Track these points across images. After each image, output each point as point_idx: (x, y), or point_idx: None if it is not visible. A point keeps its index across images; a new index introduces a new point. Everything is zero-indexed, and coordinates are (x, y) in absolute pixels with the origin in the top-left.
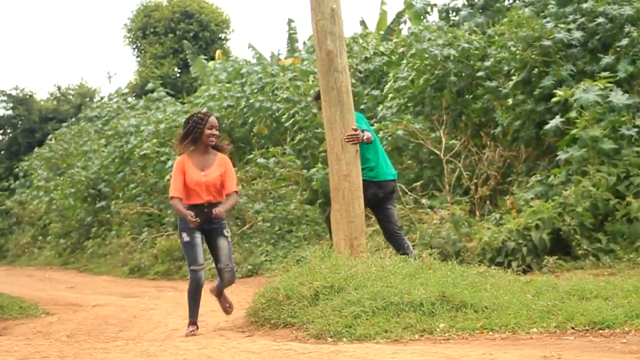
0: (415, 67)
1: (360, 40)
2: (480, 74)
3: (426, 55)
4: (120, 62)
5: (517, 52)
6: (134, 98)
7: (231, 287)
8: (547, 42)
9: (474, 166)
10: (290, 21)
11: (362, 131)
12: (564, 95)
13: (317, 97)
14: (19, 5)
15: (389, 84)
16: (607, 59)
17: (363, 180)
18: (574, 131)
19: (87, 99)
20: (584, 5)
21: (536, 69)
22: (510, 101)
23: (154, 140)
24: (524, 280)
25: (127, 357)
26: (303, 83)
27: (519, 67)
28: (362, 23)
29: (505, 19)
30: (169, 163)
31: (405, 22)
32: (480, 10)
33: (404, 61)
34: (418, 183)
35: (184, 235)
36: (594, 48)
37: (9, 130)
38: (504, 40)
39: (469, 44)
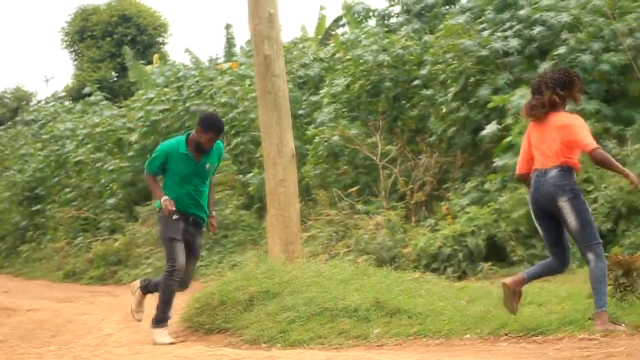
0: (350, 72)
1: (300, 45)
2: (416, 82)
3: (361, 61)
4: (57, 66)
5: (453, 62)
6: (70, 102)
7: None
8: (484, 52)
9: (409, 172)
10: (228, 26)
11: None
12: (499, 101)
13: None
14: None
15: (325, 89)
16: (544, 66)
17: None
18: (509, 138)
19: (24, 103)
20: (521, 12)
21: (473, 78)
22: (444, 108)
23: (89, 145)
24: (458, 286)
25: None
26: (240, 87)
27: (455, 77)
28: (303, 28)
29: (441, 27)
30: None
31: (344, 25)
32: (416, 17)
33: (340, 66)
34: (354, 188)
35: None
36: (531, 55)
37: None
38: (440, 50)
39: (404, 49)
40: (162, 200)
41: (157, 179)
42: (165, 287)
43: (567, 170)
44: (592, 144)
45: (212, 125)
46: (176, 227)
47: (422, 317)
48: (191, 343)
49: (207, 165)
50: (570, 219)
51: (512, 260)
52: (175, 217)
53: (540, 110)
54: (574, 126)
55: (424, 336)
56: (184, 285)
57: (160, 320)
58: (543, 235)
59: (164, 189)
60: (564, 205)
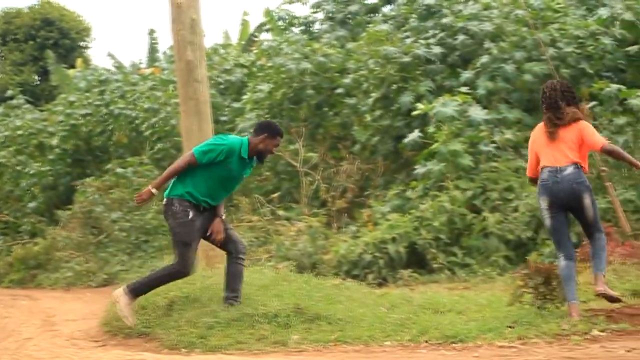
0: (272, 80)
1: (221, 51)
2: (339, 91)
3: (283, 69)
4: None
5: (376, 69)
6: None
7: (85, 297)
8: (406, 59)
9: (331, 178)
10: (151, 31)
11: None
12: (424, 109)
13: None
14: None
15: (248, 95)
16: (466, 75)
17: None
18: (434, 145)
19: None
20: (444, 20)
21: (395, 85)
22: (368, 117)
23: (11, 148)
24: (379, 293)
25: None
26: (162, 93)
27: (377, 83)
28: (226, 34)
29: (364, 35)
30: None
31: (267, 31)
32: (339, 24)
33: (262, 73)
34: (275, 195)
35: None
36: (454, 63)
37: None
38: (363, 57)
39: (326, 57)
40: (147, 190)
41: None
42: (163, 275)
43: (580, 167)
44: (600, 141)
45: (280, 132)
46: (192, 228)
47: (342, 324)
48: (110, 347)
49: (245, 176)
50: (590, 213)
51: (433, 267)
52: (191, 215)
53: (563, 121)
54: (585, 130)
55: (343, 342)
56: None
57: (137, 291)
58: (554, 226)
59: (194, 178)
60: (588, 201)
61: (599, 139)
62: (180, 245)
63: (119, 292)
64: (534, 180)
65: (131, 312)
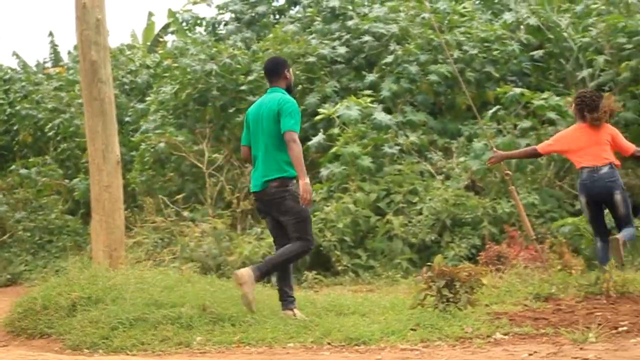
0: (178, 80)
1: (127, 52)
2: (243, 88)
3: (188, 70)
4: None
5: None
6: None
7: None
8: (311, 59)
9: (236, 180)
10: (51, 33)
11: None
12: (327, 114)
13: None
14: None
15: (153, 96)
16: (371, 77)
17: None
18: (335, 148)
19: None
20: (350, 23)
21: (301, 86)
22: None
23: None
24: None
25: None
26: (66, 93)
27: None
28: (133, 34)
29: (270, 35)
30: None
31: (173, 32)
32: (247, 25)
33: (168, 74)
34: (180, 196)
35: None
36: (359, 65)
37: None
38: (269, 56)
39: (232, 59)
40: (306, 182)
41: None
42: (294, 255)
43: (614, 167)
44: (631, 147)
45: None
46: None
47: (246, 325)
48: (13, 348)
49: None
50: (621, 208)
51: (337, 270)
52: None
53: (601, 122)
54: (619, 136)
55: (247, 344)
56: None
57: (266, 273)
58: (591, 218)
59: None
60: (618, 198)
61: (630, 145)
62: (304, 222)
63: (247, 274)
64: (537, 155)
65: (254, 298)
